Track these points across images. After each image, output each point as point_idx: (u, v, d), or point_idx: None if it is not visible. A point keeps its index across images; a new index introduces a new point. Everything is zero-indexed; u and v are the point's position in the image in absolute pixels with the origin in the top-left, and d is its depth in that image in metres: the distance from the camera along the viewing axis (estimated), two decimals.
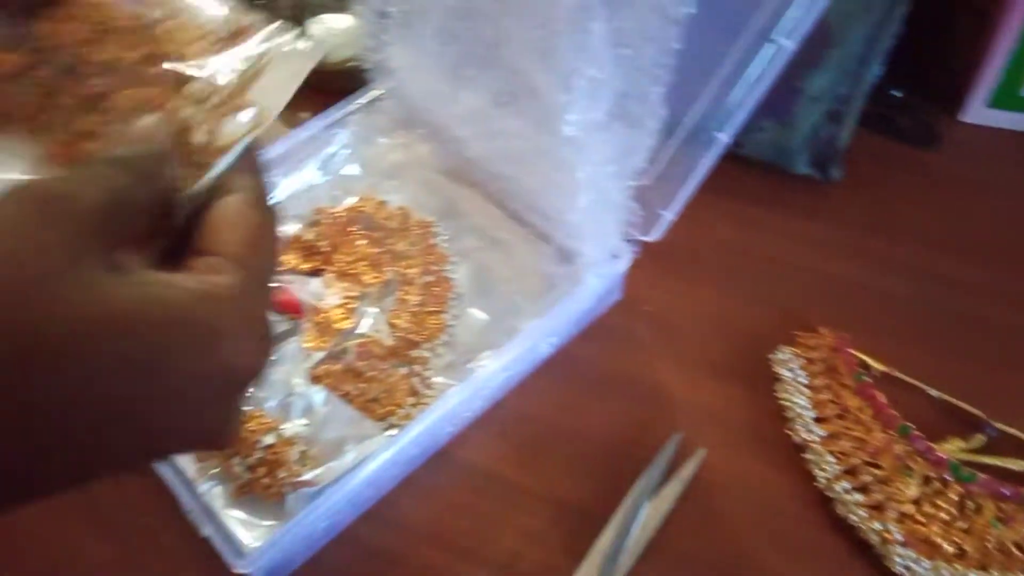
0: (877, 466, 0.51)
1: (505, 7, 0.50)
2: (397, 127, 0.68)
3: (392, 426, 0.52)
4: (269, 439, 0.50)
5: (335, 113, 0.67)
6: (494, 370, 0.52)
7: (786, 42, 0.51)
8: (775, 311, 0.59)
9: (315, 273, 0.61)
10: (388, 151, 0.68)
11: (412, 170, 0.67)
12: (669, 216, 0.54)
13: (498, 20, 0.52)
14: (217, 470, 0.50)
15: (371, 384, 0.54)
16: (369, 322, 0.58)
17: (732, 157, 0.55)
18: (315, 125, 0.66)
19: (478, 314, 0.58)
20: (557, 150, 0.50)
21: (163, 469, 0.49)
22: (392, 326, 0.58)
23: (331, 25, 0.73)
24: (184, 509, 0.48)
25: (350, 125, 0.68)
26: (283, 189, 0.66)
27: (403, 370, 0.55)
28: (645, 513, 0.49)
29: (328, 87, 0.74)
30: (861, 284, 0.61)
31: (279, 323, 0.57)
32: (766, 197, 0.65)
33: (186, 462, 0.50)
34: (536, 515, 0.51)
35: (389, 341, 0.57)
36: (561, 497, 0.51)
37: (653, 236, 0.54)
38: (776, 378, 0.55)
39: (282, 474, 0.49)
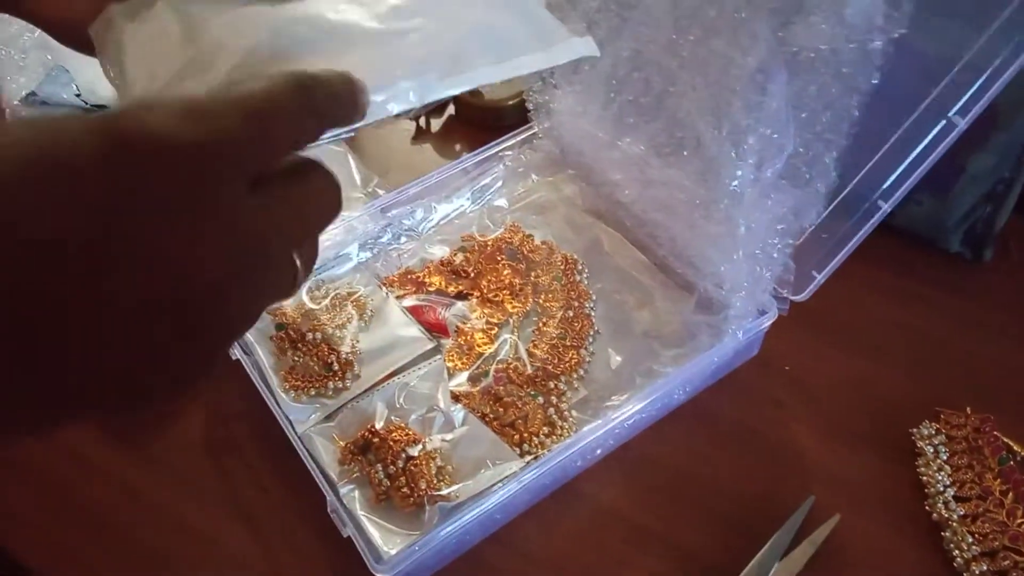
0: (1019, 552, 0.49)
1: (681, 61, 0.52)
2: (549, 165, 0.71)
3: (527, 453, 0.54)
4: (413, 451, 0.52)
5: (492, 147, 0.70)
6: (629, 412, 0.53)
7: (958, 120, 0.51)
8: (919, 385, 0.58)
9: (461, 296, 0.64)
10: (538, 187, 0.71)
11: (560, 207, 0.69)
12: (820, 278, 0.54)
13: (671, 73, 0.54)
14: (357, 475, 0.53)
15: (508, 409, 0.56)
16: (509, 349, 0.60)
17: (883, 226, 0.55)
18: (471, 157, 0.69)
19: (614, 354, 0.60)
20: (719, 203, 0.51)
21: (309, 468, 0.52)
22: (531, 355, 0.60)
23: None
24: (328, 508, 0.50)
25: (505, 160, 0.71)
26: (436, 214, 0.69)
27: (539, 399, 0.57)
28: (773, 574, 0.49)
29: (487, 122, 0.78)
30: (1009, 366, 0.60)
31: (426, 340, 0.60)
32: (916, 270, 0.65)
33: (330, 463, 0.53)
34: (660, 559, 0.51)
35: (528, 369, 0.59)
36: (687, 545, 0.52)
37: (802, 296, 0.54)
38: (917, 453, 0.55)
39: (422, 486, 0.51)
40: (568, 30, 0.37)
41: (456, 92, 0.33)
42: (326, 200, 0.27)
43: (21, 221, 0.19)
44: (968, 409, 0.56)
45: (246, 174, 0.23)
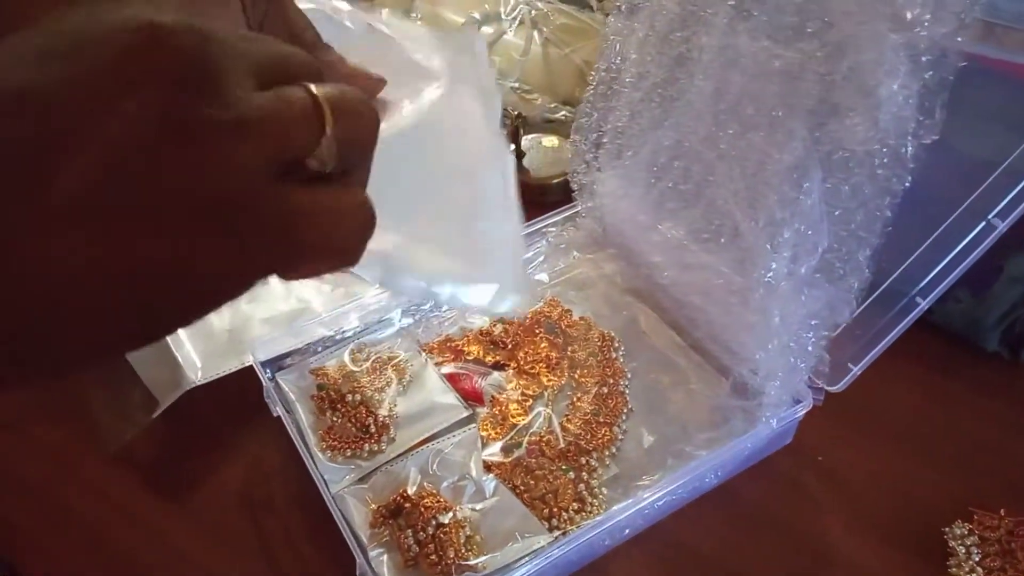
0: None
1: (720, 153, 0.54)
2: (591, 243, 0.73)
3: (555, 528, 0.54)
4: (443, 518, 0.53)
5: (536, 223, 0.72)
6: (660, 493, 0.54)
7: (997, 222, 0.52)
8: (953, 483, 0.58)
9: (498, 367, 0.65)
10: (578, 264, 0.73)
11: (599, 285, 0.71)
12: (857, 370, 0.54)
13: (710, 163, 0.56)
14: (387, 539, 0.54)
15: (539, 482, 0.57)
16: (543, 422, 0.61)
17: (922, 321, 0.55)
18: None
19: (647, 433, 0.60)
20: (754, 293, 0.52)
21: (341, 528, 0.53)
22: (564, 429, 0.60)
23: (542, 144, 0.80)
24: (358, 572, 0.51)
25: (548, 236, 0.73)
26: None
27: (571, 474, 0.57)
28: None
29: (531, 198, 0.80)
30: None
31: (462, 408, 0.61)
32: (953, 367, 0.65)
33: (362, 525, 0.54)
34: None
35: (560, 443, 0.59)
36: None
37: (837, 387, 0.55)
38: (949, 553, 0.54)
39: (450, 555, 0.51)
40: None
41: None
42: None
43: None
44: (1002, 511, 0.55)
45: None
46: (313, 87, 0.22)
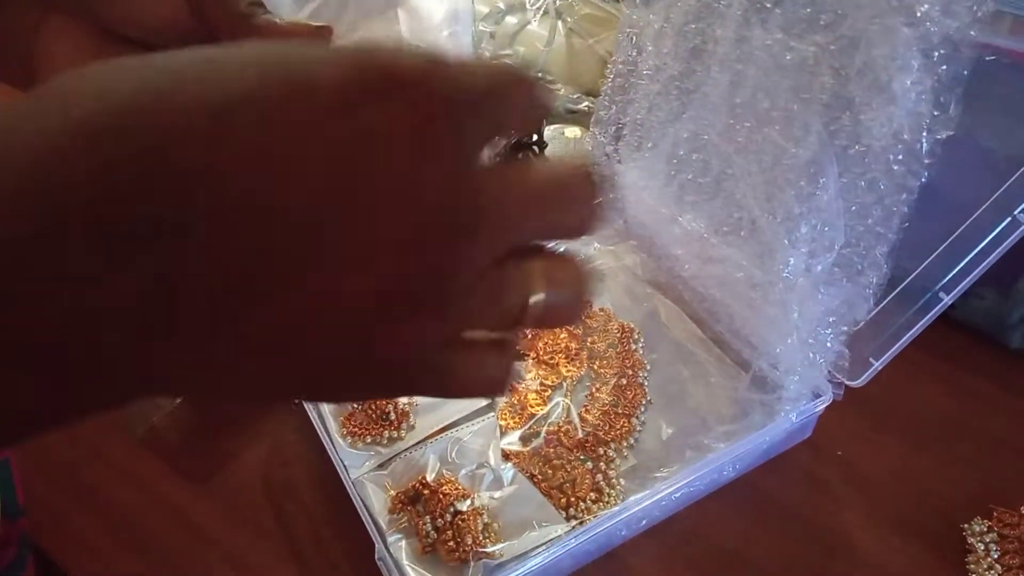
0: None
1: (737, 147, 0.54)
2: (611, 235, 0.73)
3: (572, 517, 0.54)
4: (461, 505, 0.54)
5: None
6: (678, 484, 0.54)
7: (1023, 218, 0.51)
8: (972, 480, 0.57)
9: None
10: (600, 255, 0.73)
11: (620, 276, 0.71)
12: (878, 365, 0.54)
13: (728, 157, 0.56)
14: (406, 525, 0.55)
15: (557, 472, 0.57)
16: (561, 412, 0.61)
17: (944, 317, 0.55)
18: None
19: (665, 425, 0.60)
20: (773, 287, 0.52)
21: (360, 514, 0.53)
22: (583, 420, 0.61)
23: (563, 134, 0.80)
24: (376, 556, 0.52)
25: None
26: None
27: (588, 465, 0.57)
28: None
29: None
30: None
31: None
32: (975, 364, 0.64)
33: (380, 511, 0.55)
34: None
35: (578, 434, 0.60)
36: None
37: (858, 382, 0.55)
38: (967, 549, 0.54)
39: (468, 541, 0.52)
40: None
41: None
42: (562, 192, 0.23)
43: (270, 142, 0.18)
44: (1022, 508, 0.55)
45: (479, 134, 0.21)
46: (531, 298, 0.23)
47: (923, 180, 0.45)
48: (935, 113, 0.41)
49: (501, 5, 0.93)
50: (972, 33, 0.38)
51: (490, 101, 0.21)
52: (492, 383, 0.24)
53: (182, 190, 0.17)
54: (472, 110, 0.20)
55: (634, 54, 0.61)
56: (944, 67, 0.40)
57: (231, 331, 0.19)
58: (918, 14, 0.39)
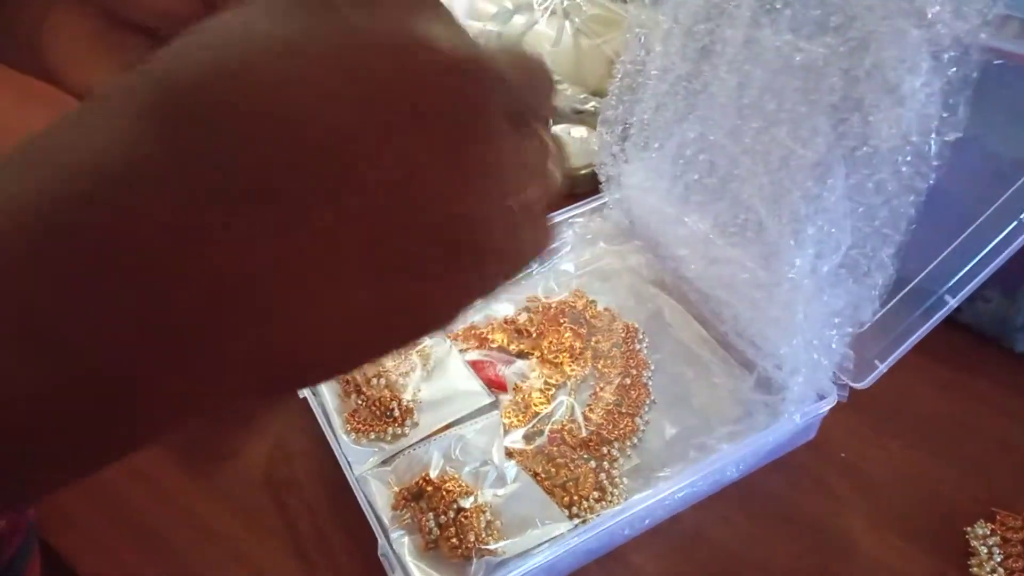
0: None
1: (744, 147, 0.54)
2: (617, 235, 0.73)
3: (575, 516, 0.55)
4: (464, 502, 0.54)
5: (563, 213, 0.73)
6: (681, 484, 0.54)
7: None
8: (976, 483, 0.57)
9: (521, 355, 0.66)
10: (604, 255, 0.73)
11: (624, 276, 0.71)
12: (883, 367, 0.54)
13: (735, 158, 0.56)
14: (409, 521, 0.55)
15: (560, 470, 0.57)
16: (565, 411, 0.61)
17: (949, 320, 0.55)
18: None
19: (669, 425, 0.61)
20: (778, 288, 0.52)
21: (364, 509, 0.54)
22: (586, 419, 0.61)
23: (570, 134, 0.80)
24: (379, 552, 0.52)
25: (575, 226, 0.73)
26: None
27: (592, 463, 0.58)
28: None
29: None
30: None
31: (485, 395, 0.62)
32: (980, 368, 0.64)
33: (383, 507, 0.55)
34: None
35: (582, 433, 0.60)
36: None
37: (863, 384, 0.55)
38: (970, 552, 0.54)
39: (471, 538, 0.52)
40: None
41: None
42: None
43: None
44: None
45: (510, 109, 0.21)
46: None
47: (931, 182, 0.45)
48: (944, 115, 0.41)
49: (509, 5, 0.93)
50: (982, 36, 0.38)
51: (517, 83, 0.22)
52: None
53: None
54: (502, 88, 0.21)
55: (642, 54, 0.61)
56: (953, 69, 0.40)
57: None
58: (928, 16, 0.39)
